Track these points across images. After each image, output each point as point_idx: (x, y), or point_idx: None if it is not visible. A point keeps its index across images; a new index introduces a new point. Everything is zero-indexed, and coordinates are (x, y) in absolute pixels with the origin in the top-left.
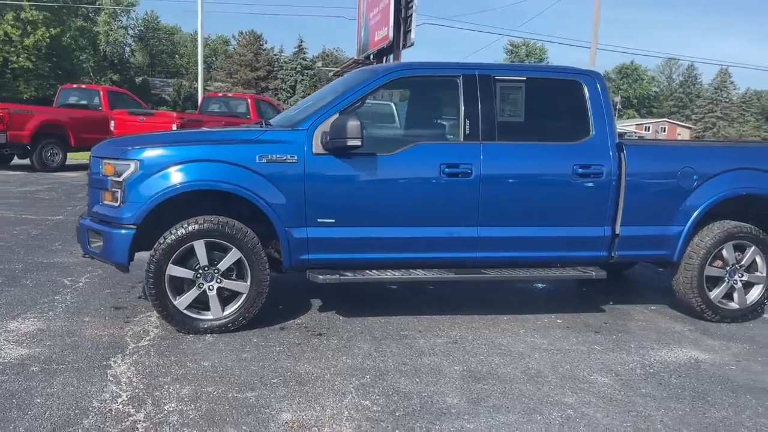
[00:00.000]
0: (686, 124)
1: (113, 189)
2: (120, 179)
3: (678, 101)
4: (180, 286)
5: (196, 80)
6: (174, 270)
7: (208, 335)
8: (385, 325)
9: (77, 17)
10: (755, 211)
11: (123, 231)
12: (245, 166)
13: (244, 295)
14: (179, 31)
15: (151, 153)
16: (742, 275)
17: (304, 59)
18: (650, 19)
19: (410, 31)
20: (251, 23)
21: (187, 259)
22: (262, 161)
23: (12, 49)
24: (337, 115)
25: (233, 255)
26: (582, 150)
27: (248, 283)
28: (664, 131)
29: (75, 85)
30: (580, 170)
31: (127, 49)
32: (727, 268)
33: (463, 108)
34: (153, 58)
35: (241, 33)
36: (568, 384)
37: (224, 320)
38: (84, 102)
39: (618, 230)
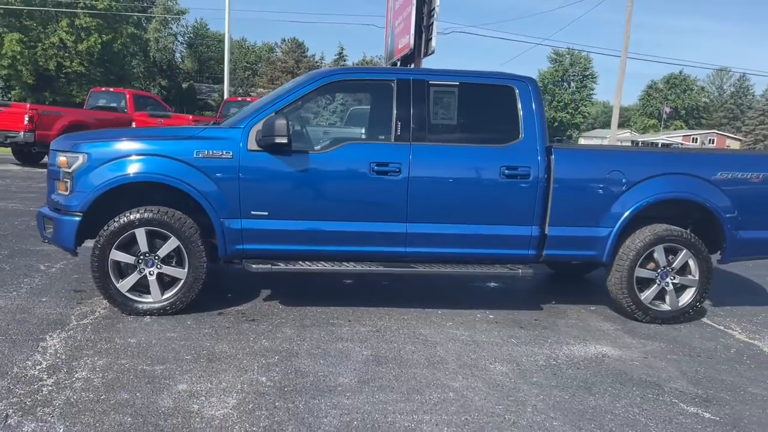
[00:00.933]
0: (736, 136)
1: (64, 179)
2: (70, 170)
3: (728, 112)
4: (125, 270)
5: (241, 86)
6: (116, 255)
7: (147, 317)
8: (319, 314)
9: (128, 24)
10: (695, 217)
11: (70, 218)
12: (183, 160)
13: (182, 281)
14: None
15: (98, 147)
16: (674, 278)
17: (344, 66)
18: (702, 28)
19: (431, 39)
20: (294, 31)
21: (130, 245)
22: (199, 156)
23: (66, 54)
24: (272, 115)
25: (172, 243)
26: (510, 152)
27: (186, 269)
28: (712, 143)
29: (104, 89)
30: (507, 171)
31: (177, 55)
32: (659, 271)
33: (395, 110)
34: (201, 64)
35: (284, 40)
36: (464, 371)
37: (163, 303)
38: (112, 104)
39: (546, 230)
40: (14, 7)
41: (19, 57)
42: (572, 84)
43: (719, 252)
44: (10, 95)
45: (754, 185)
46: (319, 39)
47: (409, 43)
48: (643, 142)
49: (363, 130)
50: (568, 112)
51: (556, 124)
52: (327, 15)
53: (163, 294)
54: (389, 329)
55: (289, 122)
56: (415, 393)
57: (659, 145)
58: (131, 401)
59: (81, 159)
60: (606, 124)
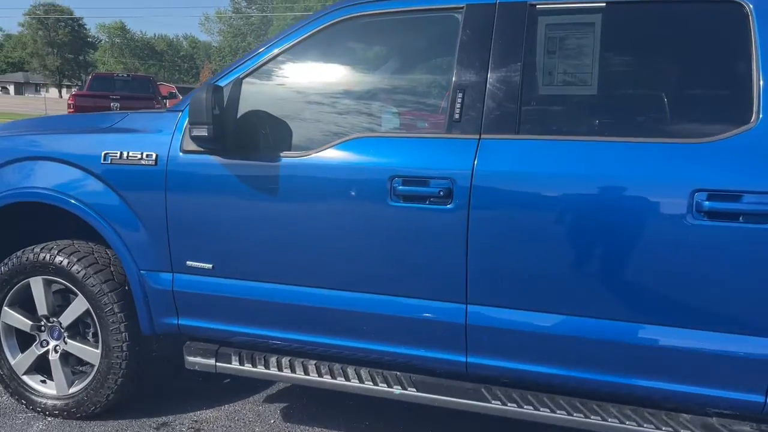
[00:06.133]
0: None
1: None
2: None
3: None
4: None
5: None
6: (8, 316)
7: (41, 422)
8: None
9: None
10: None
11: None
12: (87, 168)
13: (95, 369)
14: None
15: None
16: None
17: None
18: None
19: None
20: None
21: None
22: (108, 162)
23: None
24: (208, 87)
25: (79, 304)
26: (721, 156)
27: (99, 349)
28: None
29: None
30: (708, 204)
31: None
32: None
33: (456, 70)
34: None
35: None
36: None
37: (67, 401)
38: None
39: None
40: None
41: None
42: None
43: None
44: None
45: None
46: None
47: None
48: None
49: (390, 112)
50: None
51: None
52: None
53: (70, 386)
54: None
55: (221, 97)
56: None
57: None
58: None
59: None
60: None
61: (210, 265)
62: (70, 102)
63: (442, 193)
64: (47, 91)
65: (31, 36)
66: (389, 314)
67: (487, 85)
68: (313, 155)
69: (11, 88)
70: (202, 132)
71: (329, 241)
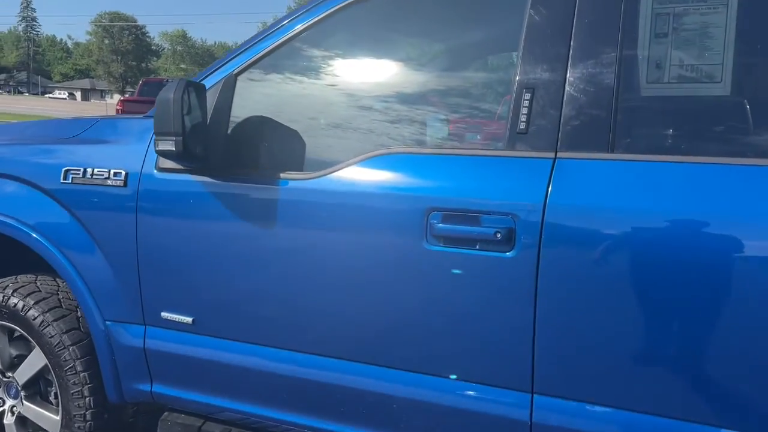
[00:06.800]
0: None
1: None
2: None
3: None
4: None
5: None
6: None
7: None
8: None
9: None
10: None
11: None
12: (43, 187)
13: None
14: None
15: None
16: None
17: None
18: None
19: None
20: None
21: None
22: (68, 181)
23: None
24: (180, 84)
25: (36, 358)
26: None
27: (59, 415)
28: None
29: None
30: None
31: None
32: None
33: (522, 62)
34: None
35: None
36: None
37: None
38: None
39: None
40: None
41: None
42: None
43: None
44: None
45: None
46: None
47: None
48: None
49: (437, 119)
50: None
51: None
52: None
53: None
54: None
55: (203, 100)
56: None
57: None
58: None
59: None
60: None
61: (190, 319)
62: (118, 108)
63: (499, 234)
64: (111, 97)
65: (97, 44)
66: (425, 401)
67: (567, 83)
68: (324, 177)
69: (78, 94)
70: (169, 145)
71: (343, 295)
